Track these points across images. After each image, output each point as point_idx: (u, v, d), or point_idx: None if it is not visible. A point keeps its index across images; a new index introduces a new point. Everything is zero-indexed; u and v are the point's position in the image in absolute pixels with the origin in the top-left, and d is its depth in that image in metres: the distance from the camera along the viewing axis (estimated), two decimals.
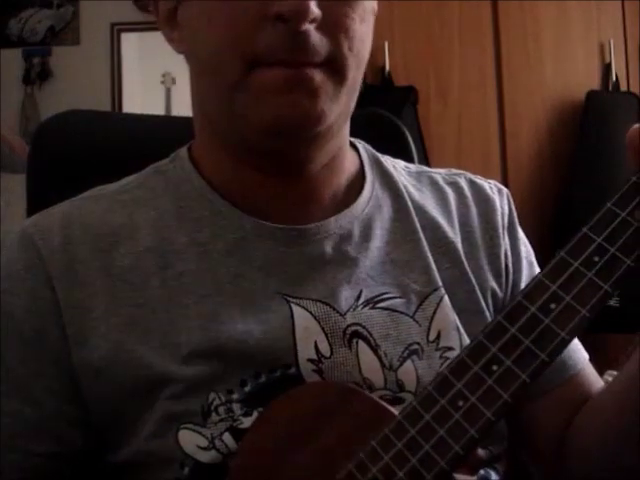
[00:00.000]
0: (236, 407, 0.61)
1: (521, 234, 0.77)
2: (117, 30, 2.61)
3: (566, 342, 0.53)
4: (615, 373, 0.68)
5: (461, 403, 0.53)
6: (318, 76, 0.59)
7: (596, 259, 0.53)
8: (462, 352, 0.55)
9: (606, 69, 2.26)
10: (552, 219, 2.19)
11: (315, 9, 0.56)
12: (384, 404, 0.58)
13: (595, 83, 2.27)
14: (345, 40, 0.60)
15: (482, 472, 0.66)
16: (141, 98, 2.63)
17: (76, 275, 0.64)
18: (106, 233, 0.66)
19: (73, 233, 0.65)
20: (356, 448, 0.54)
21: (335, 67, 0.60)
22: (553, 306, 0.53)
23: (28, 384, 0.63)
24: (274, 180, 0.67)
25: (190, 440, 0.60)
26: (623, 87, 2.26)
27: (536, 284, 0.55)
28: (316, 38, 0.58)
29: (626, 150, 0.55)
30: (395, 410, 0.57)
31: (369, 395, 0.60)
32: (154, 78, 2.56)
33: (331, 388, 0.61)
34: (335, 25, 0.59)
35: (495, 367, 0.53)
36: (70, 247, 0.65)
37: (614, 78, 2.25)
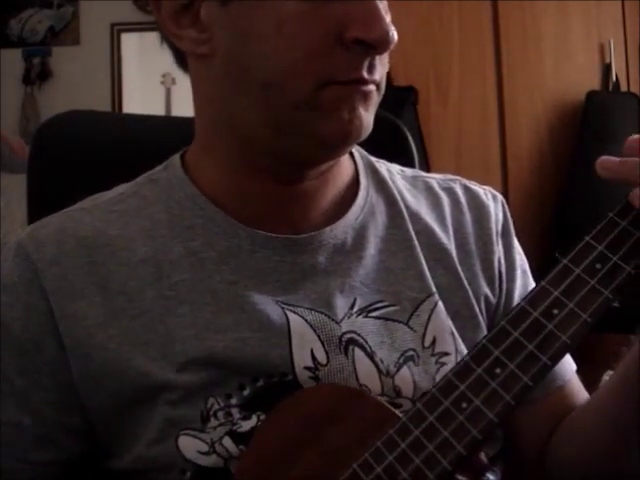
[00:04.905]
0: (235, 411, 0.61)
1: (516, 243, 0.77)
2: (117, 30, 2.61)
3: (568, 346, 0.54)
4: None
5: (465, 405, 0.54)
6: (374, 94, 0.63)
7: (598, 267, 0.55)
8: (466, 355, 0.56)
9: (606, 69, 2.27)
10: (552, 219, 2.20)
11: (396, 37, 0.60)
12: (389, 406, 0.59)
13: (595, 83, 2.27)
14: (387, 65, 0.65)
15: None
16: (141, 98, 2.63)
17: (70, 287, 0.64)
18: (100, 245, 0.66)
19: (67, 246, 0.65)
20: (361, 449, 0.55)
21: (381, 85, 0.64)
22: (556, 312, 0.55)
23: (27, 395, 0.64)
24: (272, 189, 0.67)
25: (190, 445, 0.60)
26: (623, 87, 2.26)
27: (539, 290, 0.56)
28: (378, 62, 0.62)
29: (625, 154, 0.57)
30: (399, 412, 0.57)
31: (375, 397, 0.61)
32: (154, 78, 2.56)
33: (337, 391, 0.61)
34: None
35: (499, 370, 0.54)
36: (64, 260, 0.65)
37: (614, 78, 2.25)
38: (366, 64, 0.60)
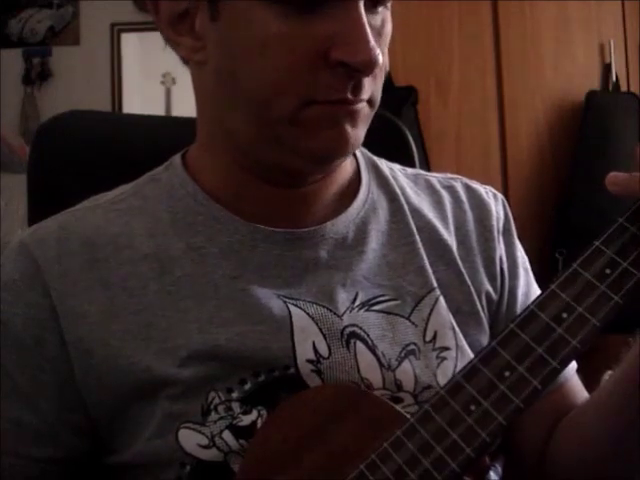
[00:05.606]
0: (235, 405, 0.61)
1: (517, 241, 0.78)
2: (117, 30, 2.61)
3: (577, 350, 0.54)
4: None
5: (473, 407, 0.54)
6: (365, 110, 0.63)
7: (608, 272, 0.55)
8: (474, 358, 0.56)
9: (606, 69, 2.26)
10: (552, 219, 2.19)
11: (381, 59, 0.59)
12: (395, 406, 0.59)
13: (595, 83, 2.27)
14: (381, 79, 0.64)
15: None
16: (141, 98, 2.63)
17: (73, 284, 0.64)
18: (103, 243, 0.67)
19: (69, 244, 0.66)
20: (367, 450, 0.55)
21: (373, 100, 0.64)
22: (565, 316, 0.55)
23: (28, 392, 0.64)
24: (271, 192, 0.68)
25: (190, 439, 0.61)
26: (623, 87, 2.26)
27: (548, 294, 0.57)
28: (367, 80, 0.61)
29: (634, 166, 0.58)
30: (406, 413, 0.57)
31: (380, 398, 0.61)
32: (154, 78, 2.56)
33: (342, 390, 0.62)
34: (379, 69, 0.62)
35: (507, 373, 0.54)
36: (66, 258, 0.65)
37: (614, 78, 2.25)
38: (350, 85, 0.60)
